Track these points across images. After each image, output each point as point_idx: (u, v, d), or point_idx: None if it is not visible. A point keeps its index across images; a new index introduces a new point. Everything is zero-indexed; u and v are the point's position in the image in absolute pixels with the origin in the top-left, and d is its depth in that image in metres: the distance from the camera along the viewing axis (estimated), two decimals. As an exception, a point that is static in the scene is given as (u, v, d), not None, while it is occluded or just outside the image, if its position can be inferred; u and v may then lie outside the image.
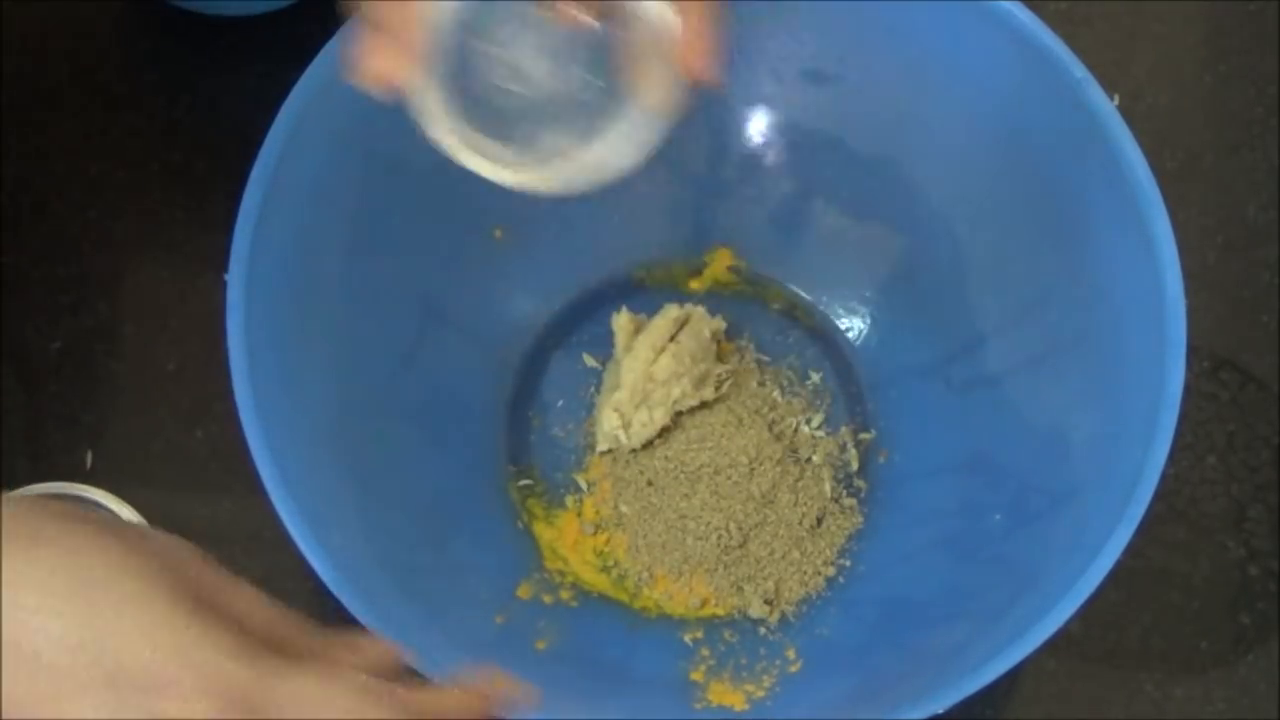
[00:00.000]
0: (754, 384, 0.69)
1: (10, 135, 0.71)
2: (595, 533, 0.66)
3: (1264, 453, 0.71)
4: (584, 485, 0.67)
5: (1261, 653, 0.68)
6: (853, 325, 0.70)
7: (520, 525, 0.66)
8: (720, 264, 0.71)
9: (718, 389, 0.68)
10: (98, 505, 0.62)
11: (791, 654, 0.63)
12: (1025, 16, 0.61)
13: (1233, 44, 0.78)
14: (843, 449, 0.68)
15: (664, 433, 0.67)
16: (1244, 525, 0.70)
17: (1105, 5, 0.78)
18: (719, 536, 0.66)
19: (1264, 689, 0.68)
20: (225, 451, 0.68)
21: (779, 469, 0.67)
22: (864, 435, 0.69)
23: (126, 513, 0.62)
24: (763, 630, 0.65)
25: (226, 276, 0.57)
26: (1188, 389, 0.57)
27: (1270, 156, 0.76)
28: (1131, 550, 0.55)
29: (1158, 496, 0.55)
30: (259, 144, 0.59)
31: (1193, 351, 0.58)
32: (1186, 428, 0.57)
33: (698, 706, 0.61)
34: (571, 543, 0.66)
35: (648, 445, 0.67)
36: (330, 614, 0.66)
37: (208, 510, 0.68)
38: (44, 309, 0.70)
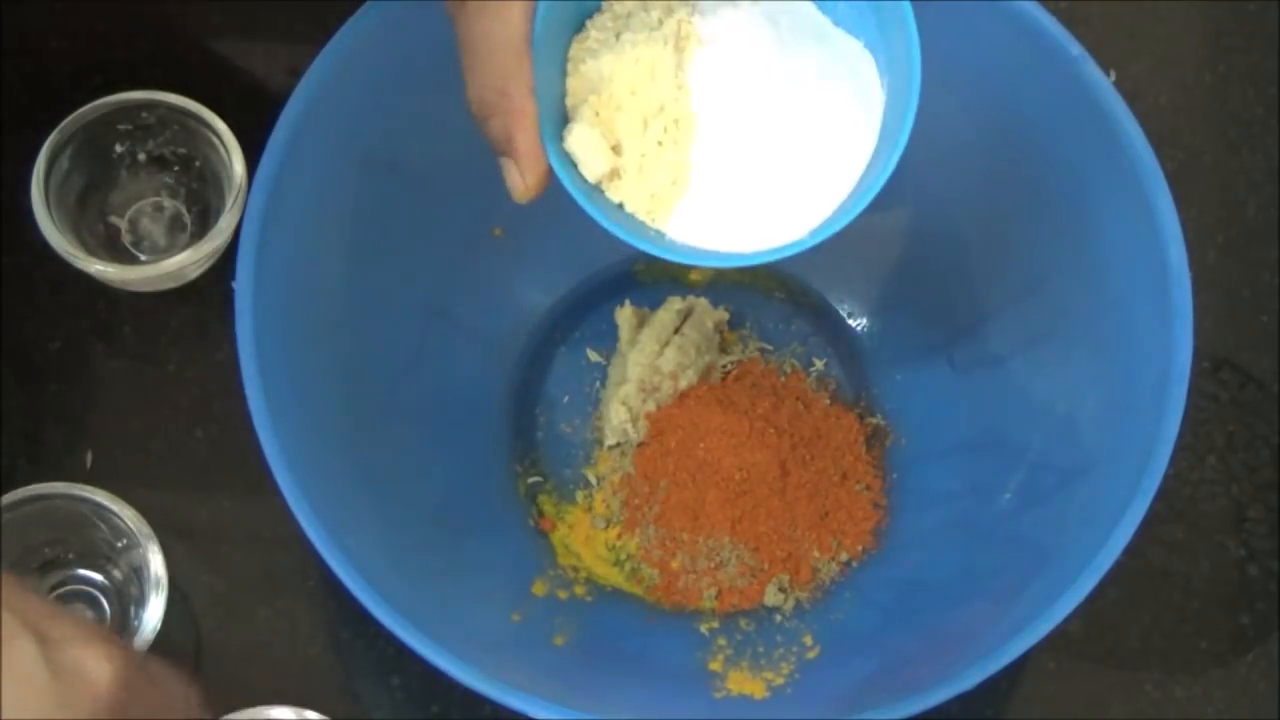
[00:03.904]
0: (759, 373, 0.69)
1: (10, 136, 0.71)
2: (606, 527, 0.67)
3: (1264, 453, 0.71)
4: (593, 480, 0.67)
5: (1261, 653, 0.68)
6: (854, 310, 0.70)
7: (531, 523, 0.66)
8: (720, 255, 0.72)
9: (723, 380, 0.69)
10: (97, 505, 0.62)
11: (809, 640, 0.63)
12: None
13: (1233, 44, 0.78)
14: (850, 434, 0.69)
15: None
16: (1244, 525, 0.70)
17: (1105, 5, 0.78)
18: (731, 526, 0.66)
19: (1264, 689, 0.68)
20: (225, 451, 0.68)
21: (788, 457, 0.67)
22: (871, 419, 0.69)
23: (129, 513, 0.62)
24: (779, 618, 0.65)
25: (234, 284, 0.57)
26: (1187, 389, 0.57)
27: (1270, 156, 0.76)
28: (1131, 550, 0.55)
29: (1158, 496, 0.55)
30: (260, 150, 0.59)
31: (1193, 351, 0.58)
32: (1186, 428, 0.57)
33: (718, 696, 0.61)
34: (583, 538, 0.66)
35: (657, 438, 0.68)
36: (332, 614, 0.67)
37: (208, 510, 0.68)
38: (44, 309, 0.70)
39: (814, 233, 0.49)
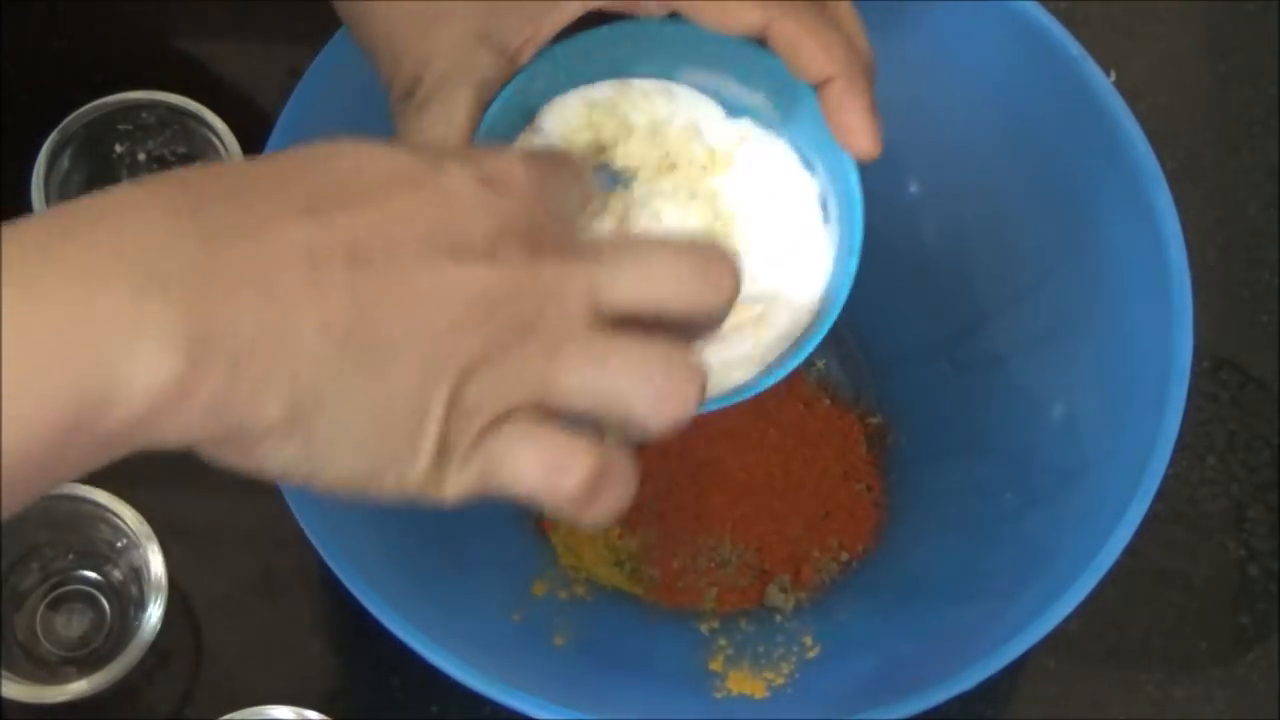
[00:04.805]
0: (758, 373, 0.69)
1: (10, 136, 0.71)
2: (607, 527, 0.66)
3: (1264, 453, 0.71)
4: (594, 481, 0.67)
5: (1261, 653, 0.68)
6: (854, 310, 0.70)
7: (531, 523, 0.66)
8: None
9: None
10: (97, 505, 0.62)
11: (809, 640, 0.63)
12: None
13: (1233, 44, 0.78)
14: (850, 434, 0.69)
15: (673, 426, 0.68)
16: (1244, 525, 0.70)
17: (1105, 5, 0.78)
18: (731, 526, 0.66)
19: (1264, 689, 0.68)
20: (225, 451, 0.68)
21: (788, 457, 0.67)
22: (871, 419, 0.69)
23: (129, 513, 0.62)
24: (779, 618, 0.65)
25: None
26: (1187, 389, 0.57)
27: (1270, 156, 0.76)
28: (1131, 550, 0.55)
29: (1158, 497, 0.55)
30: (260, 150, 0.59)
31: (1193, 351, 0.58)
32: (1186, 428, 0.56)
33: (718, 695, 0.61)
34: (584, 538, 0.66)
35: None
36: (332, 614, 0.67)
37: (208, 511, 0.68)
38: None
39: (717, 399, 0.48)
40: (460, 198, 0.41)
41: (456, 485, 0.41)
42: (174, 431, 0.37)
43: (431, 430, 0.40)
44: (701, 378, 0.42)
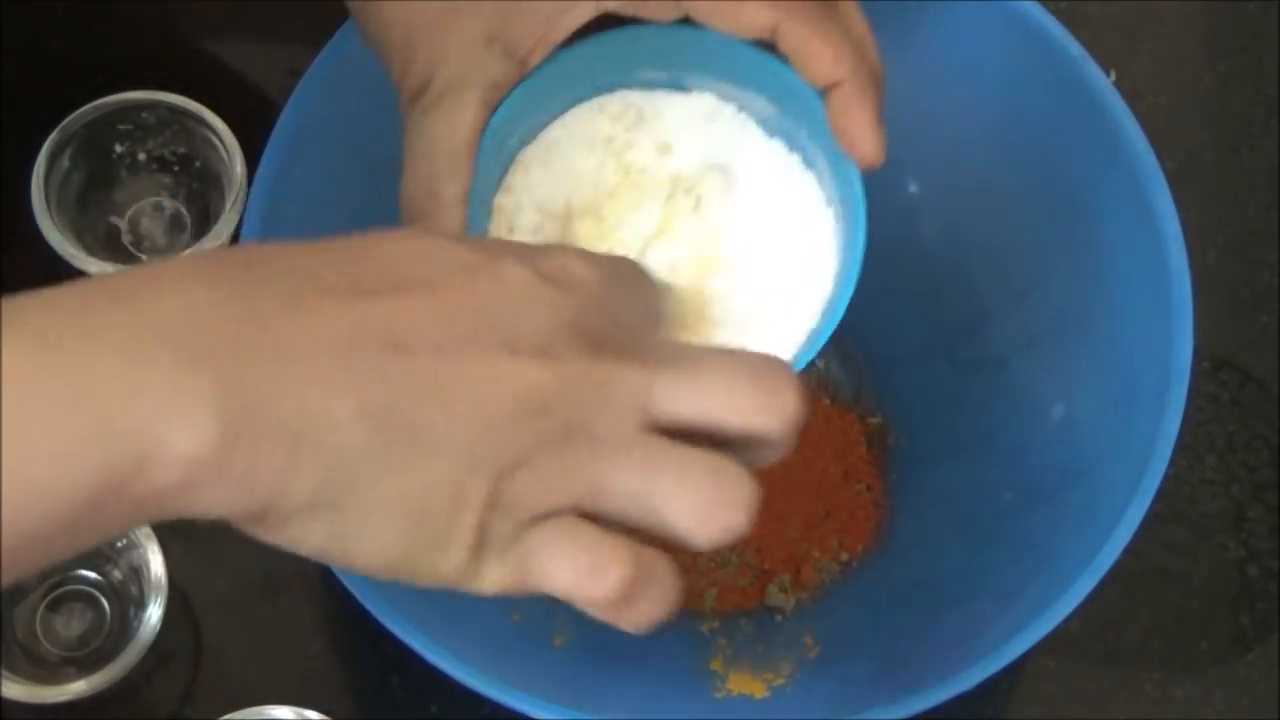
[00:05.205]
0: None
1: (10, 136, 0.71)
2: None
3: (1264, 453, 0.71)
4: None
5: (1261, 653, 0.68)
6: (854, 309, 0.70)
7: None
8: (717, 256, 0.71)
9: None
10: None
11: (809, 640, 0.63)
12: None
13: (1233, 44, 0.78)
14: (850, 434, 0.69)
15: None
16: (1244, 525, 0.70)
17: (1105, 5, 0.78)
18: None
19: (1264, 689, 0.68)
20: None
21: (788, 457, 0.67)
22: (871, 419, 0.69)
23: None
24: (779, 618, 0.64)
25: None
26: (1187, 389, 0.57)
27: (1270, 156, 0.76)
28: (1131, 550, 0.55)
29: (1158, 496, 0.55)
30: (260, 150, 0.59)
31: (1193, 351, 0.58)
32: (1186, 428, 0.56)
33: (718, 695, 0.61)
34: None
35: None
36: (332, 614, 0.67)
37: (208, 510, 0.68)
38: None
39: None
40: (517, 290, 0.40)
41: (493, 580, 0.40)
42: (204, 503, 0.37)
43: (469, 523, 0.39)
44: (752, 494, 0.41)
